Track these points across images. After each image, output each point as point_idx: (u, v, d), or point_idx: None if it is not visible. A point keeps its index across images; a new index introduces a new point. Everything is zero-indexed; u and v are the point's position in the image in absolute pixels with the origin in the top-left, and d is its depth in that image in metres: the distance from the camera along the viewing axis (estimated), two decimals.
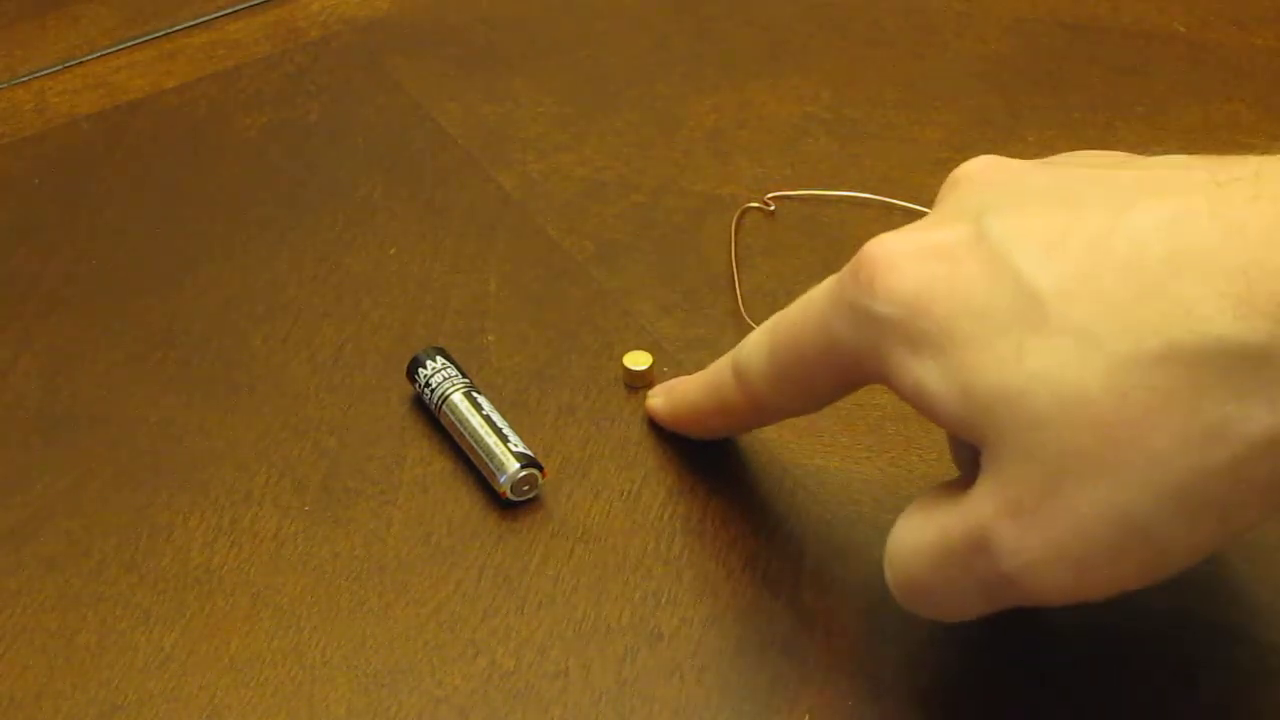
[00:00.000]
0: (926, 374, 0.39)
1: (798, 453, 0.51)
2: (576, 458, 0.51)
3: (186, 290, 0.57)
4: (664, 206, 0.59)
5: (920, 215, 0.58)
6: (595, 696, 0.45)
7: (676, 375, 0.53)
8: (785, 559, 0.48)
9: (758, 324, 0.54)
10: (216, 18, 0.68)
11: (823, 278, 0.56)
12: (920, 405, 0.40)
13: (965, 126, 0.62)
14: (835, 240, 0.57)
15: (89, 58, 0.66)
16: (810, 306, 0.43)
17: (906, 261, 0.40)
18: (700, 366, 0.53)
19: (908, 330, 0.40)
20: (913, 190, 0.59)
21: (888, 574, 0.42)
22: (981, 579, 0.39)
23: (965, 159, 0.61)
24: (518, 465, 0.49)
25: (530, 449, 0.50)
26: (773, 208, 0.59)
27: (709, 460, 0.51)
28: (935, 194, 0.58)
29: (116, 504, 0.50)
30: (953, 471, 0.50)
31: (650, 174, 0.60)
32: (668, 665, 0.46)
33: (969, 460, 0.41)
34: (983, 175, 0.43)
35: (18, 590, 0.48)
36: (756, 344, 0.46)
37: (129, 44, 0.67)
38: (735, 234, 0.57)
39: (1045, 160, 0.44)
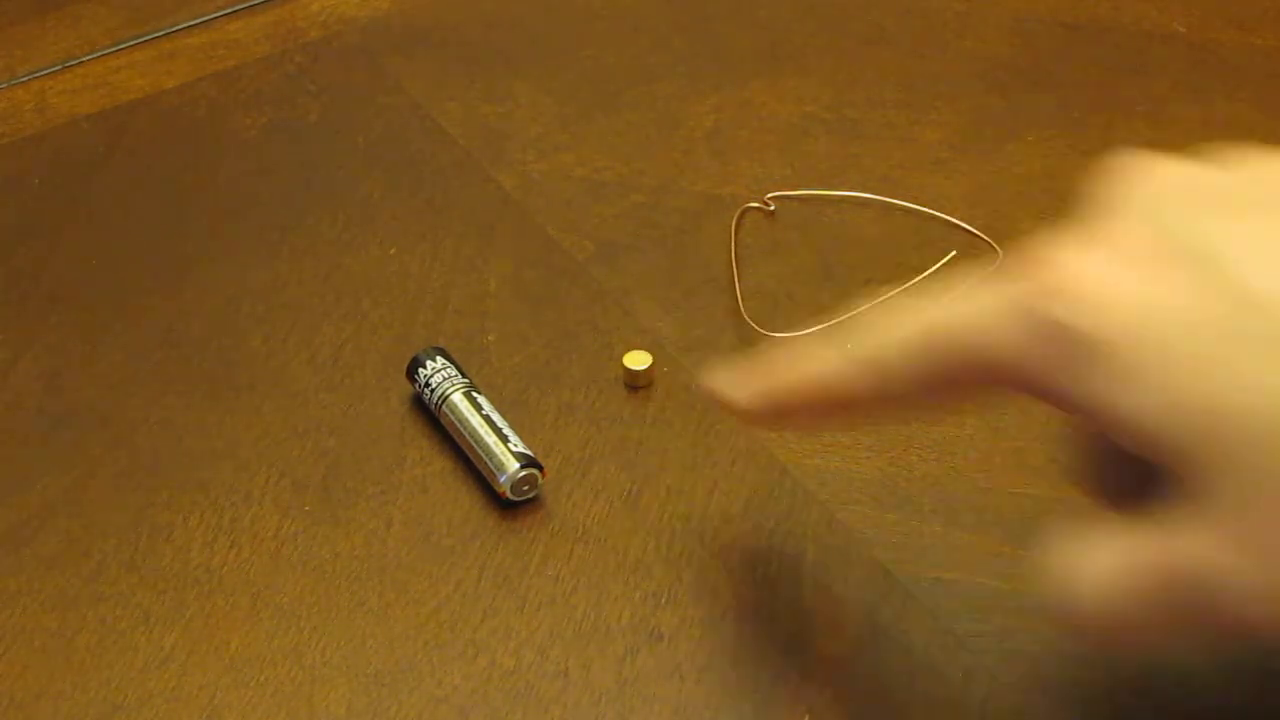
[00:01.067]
0: (1121, 391, 0.36)
1: (798, 453, 0.51)
2: (576, 458, 0.51)
3: (186, 290, 0.57)
4: (664, 206, 0.59)
5: (920, 215, 0.59)
6: (595, 696, 0.45)
7: (676, 375, 0.53)
8: (785, 559, 0.48)
9: (758, 324, 0.54)
10: (216, 18, 0.68)
11: (823, 278, 0.56)
12: (1107, 423, 0.37)
13: (965, 126, 0.62)
14: (835, 240, 0.57)
15: (89, 58, 0.66)
16: (973, 307, 0.39)
17: (1097, 269, 0.37)
18: (700, 367, 0.53)
19: (1096, 343, 0.36)
20: (913, 190, 0.59)
21: (1065, 610, 0.38)
22: (1195, 616, 0.36)
23: (965, 159, 0.61)
24: (518, 465, 0.49)
25: (530, 449, 0.50)
26: (773, 208, 0.59)
27: (709, 460, 0.51)
28: (935, 194, 0.59)
29: (116, 504, 0.50)
30: (954, 470, 0.50)
31: (650, 174, 0.60)
32: (668, 665, 0.46)
33: (1129, 482, 0.38)
34: (1155, 176, 0.39)
35: (18, 590, 0.48)
36: (892, 338, 0.41)
37: (129, 44, 0.67)
38: (735, 234, 0.57)
39: (1210, 159, 0.40)
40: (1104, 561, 0.37)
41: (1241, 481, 0.34)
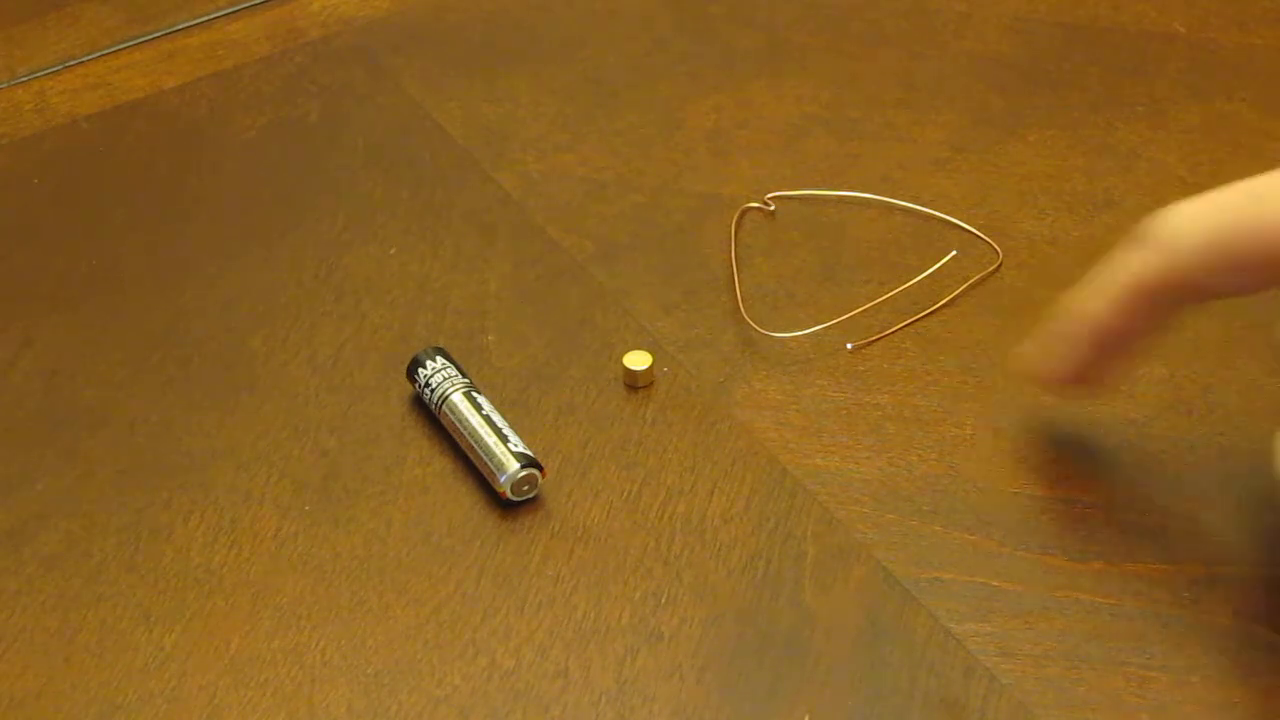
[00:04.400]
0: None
1: (798, 453, 0.51)
2: (576, 458, 0.51)
3: (186, 290, 0.57)
4: (664, 206, 0.59)
5: (920, 215, 0.59)
6: (595, 696, 0.45)
7: (676, 375, 0.53)
8: (785, 559, 0.48)
9: (758, 324, 0.54)
10: (216, 18, 0.68)
11: (823, 278, 0.56)
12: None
13: (965, 126, 0.62)
14: (835, 240, 0.57)
15: (89, 58, 0.66)
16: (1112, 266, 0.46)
17: (1183, 204, 0.44)
18: (700, 367, 0.53)
19: (1166, 229, 0.44)
20: (913, 190, 0.59)
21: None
22: None
23: (965, 159, 0.61)
24: (518, 465, 0.49)
25: (530, 449, 0.50)
26: (773, 208, 0.59)
27: (709, 460, 0.51)
28: (935, 194, 0.59)
29: (116, 504, 0.50)
30: (954, 470, 0.50)
31: (650, 174, 0.60)
32: (668, 665, 0.46)
33: None
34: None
35: (18, 590, 0.48)
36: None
37: (129, 44, 0.67)
38: (735, 234, 0.57)
39: None
40: None
41: None
